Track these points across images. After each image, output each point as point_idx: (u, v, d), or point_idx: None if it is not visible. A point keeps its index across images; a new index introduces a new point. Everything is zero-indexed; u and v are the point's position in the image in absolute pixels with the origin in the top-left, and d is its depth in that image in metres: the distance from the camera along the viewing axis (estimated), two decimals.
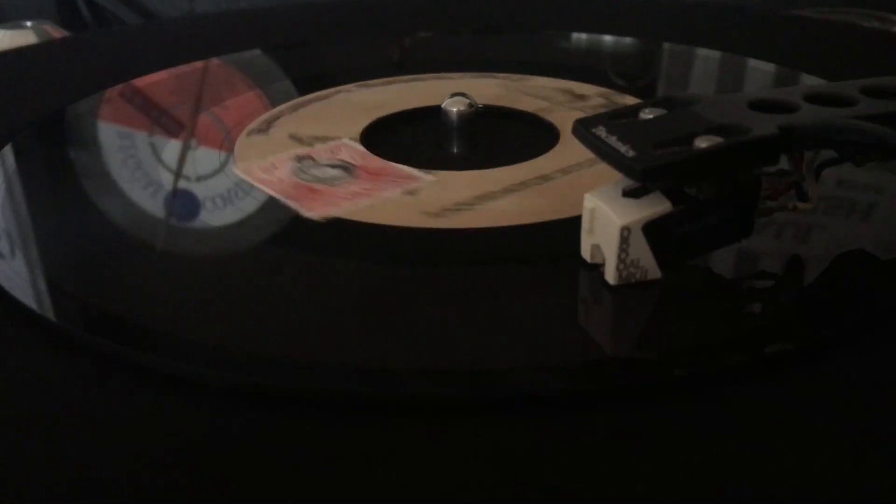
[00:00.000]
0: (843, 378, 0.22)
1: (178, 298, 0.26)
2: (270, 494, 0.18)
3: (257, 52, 0.51)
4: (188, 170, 0.35)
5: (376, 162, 0.33)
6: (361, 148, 0.34)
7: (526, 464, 0.19)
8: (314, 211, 0.29)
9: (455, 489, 0.18)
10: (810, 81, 0.42)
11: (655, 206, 0.24)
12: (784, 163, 0.25)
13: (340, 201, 0.30)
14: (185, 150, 0.37)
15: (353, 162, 0.33)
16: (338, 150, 0.33)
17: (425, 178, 0.32)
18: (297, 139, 0.35)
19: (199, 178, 0.34)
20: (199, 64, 0.48)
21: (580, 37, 0.53)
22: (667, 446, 0.19)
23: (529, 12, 0.59)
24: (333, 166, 0.32)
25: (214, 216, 0.31)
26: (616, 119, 0.25)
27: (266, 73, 0.48)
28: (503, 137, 0.38)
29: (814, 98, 0.26)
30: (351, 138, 0.35)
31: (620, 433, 0.20)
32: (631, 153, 0.23)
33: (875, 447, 0.19)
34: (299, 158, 0.33)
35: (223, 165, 0.34)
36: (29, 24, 0.69)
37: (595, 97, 0.41)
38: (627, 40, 0.52)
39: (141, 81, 0.45)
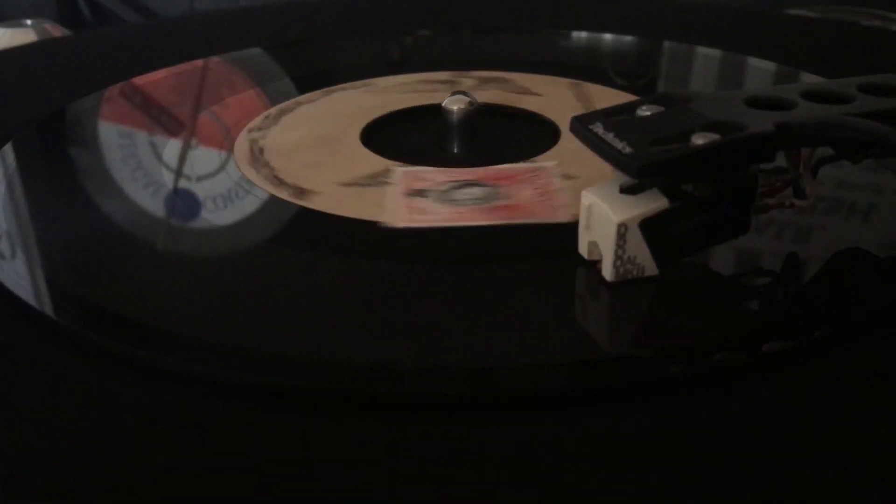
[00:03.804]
0: (843, 378, 0.22)
1: (181, 297, 0.26)
2: (269, 493, 0.18)
3: (257, 50, 0.51)
4: (188, 169, 0.35)
5: (480, 171, 0.32)
6: (425, 167, 0.33)
7: (524, 462, 0.19)
8: (556, 217, 0.29)
9: (453, 488, 0.18)
10: (810, 80, 0.41)
11: (652, 202, 0.24)
12: (781, 160, 0.25)
13: (548, 203, 0.30)
14: (185, 149, 0.37)
15: (469, 178, 0.32)
16: (422, 177, 0.32)
17: (551, 164, 0.32)
18: (354, 185, 0.32)
19: (200, 178, 0.34)
20: (199, 62, 0.48)
21: (580, 35, 0.53)
22: (664, 444, 0.19)
23: (529, 12, 0.59)
24: (460, 188, 0.31)
25: (215, 216, 0.31)
26: (613, 116, 0.25)
27: (266, 72, 0.49)
28: (500, 133, 0.38)
29: (811, 95, 0.26)
30: (401, 168, 0.33)
31: (617, 431, 0.20)
32: (628, 150, 0.23)
33: (875, 447, 0.19)
34: (416, 193, 0.31)
35: (223, 165, 0.34)
36: (29, 22, 0.69)
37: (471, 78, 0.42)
38: (628, 39, 0.52)
39: (141, 80, 0.45)
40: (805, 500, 0.18)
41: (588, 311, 0.25)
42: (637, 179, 0.24)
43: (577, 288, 0.26)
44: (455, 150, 0.36)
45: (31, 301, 0.25)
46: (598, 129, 0.25)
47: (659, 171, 0.23)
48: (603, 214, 0.24)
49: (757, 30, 0.54)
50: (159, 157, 0.36)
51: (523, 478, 0.18)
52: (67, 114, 0.41)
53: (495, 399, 0.21)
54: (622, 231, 0.24)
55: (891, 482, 0.18)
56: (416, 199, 0.31)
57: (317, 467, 0.19)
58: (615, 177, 0.25)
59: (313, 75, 0.46)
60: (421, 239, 0.28)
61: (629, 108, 0.26)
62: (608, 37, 0.52)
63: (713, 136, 0.23)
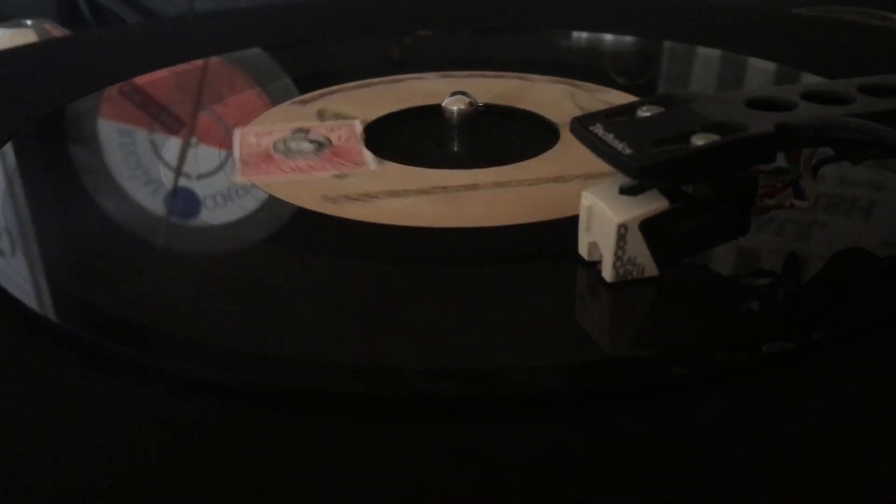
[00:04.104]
0: (844, 378, 0.22)
1: (181, 297, 0.26)
2: (269, 493, 0.18)
3: (257, 50, 0.51)
4: (188, 168, 0.35)
5: (353, 145, 0.34)
6: (359, 131, 0.35)
7: (524, 462, 0.19)
8: (245, 176, 0.31)
9: (453, 488, 0.18)
10: (810, 80, 0.41)
11: (652, 203, 0.24)
12: (782, 160, 0.25)
13: (274, 172, 0.31)
14: (185, 148, 0.37)
15: (333, 141, 0.33)
16: (336, 129, 0.34)
17: (370, 167, 0.32)
18: (321, 115, 0.37)
19: (199, 177, 0.34)
20: (199, 62, 0.48)
21: (580, 35, 0.53)
22: (664, 445, 0.19)
23: (530, 11, 0.59)
24: (312, 141, 0.33)
25: (215, 215, 0.31)
26: (613, 117, 0.25)
27: (266, 72, 0.48)
28: (504, 137, 0.38)
29: (811, 96, 0.26)
30: (362, 121, 0.36)
31: (617, 432, 0.20)
32: (628, 151, 0.23)
33: (875, 447, 0.19)
34: (296, 130, 0.34)
35: (223, 164, 0.34)
36: (29, 22, 0.69)
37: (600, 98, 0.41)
38: (628, 39, 0.52)
39: (141, 79, 0.45)
40: (805, 500, 0.18)
41: (588, 311, 0.25)
42: (637, 180, 0.24)
43: (577, 288, 0.26)
44: (455, 150, 0.36)
45: (30, 302, 0.25)
46: (598, 129, 0.25)
47: (659, 172, 0.23)
48: (603, 215, 0.24)
49: (757, 30, 0.54)
50: (159, 156, 0.36)
51: (523, 478, 0.18)
52: (67, 113, 0.41)
53: (495, 399, 0.21)
54: (622, 232, 0.24)
55: (891, 482, 0.18)
56: (283, 133, 0.34)
57: (317, 467, 0.19)
58: (615, 177, 0.25)
59: (314, 75, 0.46)
60: (421, 239, 0.28)
61: (629, 109, 0.26)
62: (608, 37, 0.52)
63: (713, 137, 0.23)
